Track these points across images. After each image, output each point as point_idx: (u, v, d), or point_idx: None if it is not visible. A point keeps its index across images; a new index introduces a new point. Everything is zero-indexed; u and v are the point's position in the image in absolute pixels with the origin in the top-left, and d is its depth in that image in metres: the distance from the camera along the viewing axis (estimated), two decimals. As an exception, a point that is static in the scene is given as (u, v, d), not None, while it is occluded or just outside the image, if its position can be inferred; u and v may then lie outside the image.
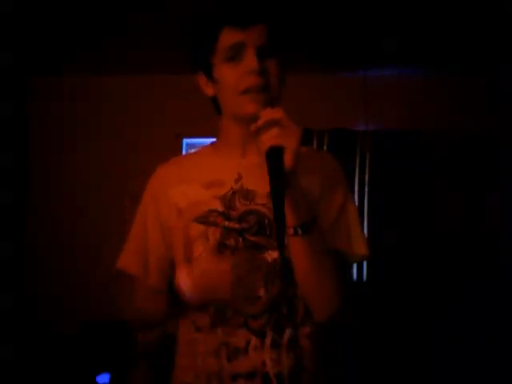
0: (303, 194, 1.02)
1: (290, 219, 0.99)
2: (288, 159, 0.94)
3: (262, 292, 1.07)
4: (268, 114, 0.97)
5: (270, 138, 0.95)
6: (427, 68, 3.37)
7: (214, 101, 1.18)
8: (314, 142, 3.38)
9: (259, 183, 1.07)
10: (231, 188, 1.11)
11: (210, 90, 1.16)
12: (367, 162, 3.35)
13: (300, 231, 1.00)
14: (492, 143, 3.34)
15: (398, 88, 3.35)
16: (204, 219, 1.10)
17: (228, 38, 1.07)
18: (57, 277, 3.39)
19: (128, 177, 3.52)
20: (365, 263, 3.22)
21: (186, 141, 3.64)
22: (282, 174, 0.95)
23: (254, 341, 1.06)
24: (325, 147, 3.36)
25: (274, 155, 0.95)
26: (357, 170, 3.35)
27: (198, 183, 1.14)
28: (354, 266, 3.09)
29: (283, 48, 1.11)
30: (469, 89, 3.36)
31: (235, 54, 1.06)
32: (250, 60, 1.05)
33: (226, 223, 1.09)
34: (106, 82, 3.45)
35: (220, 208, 1.10)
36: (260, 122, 0.97)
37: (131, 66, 3.32)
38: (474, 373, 2.84)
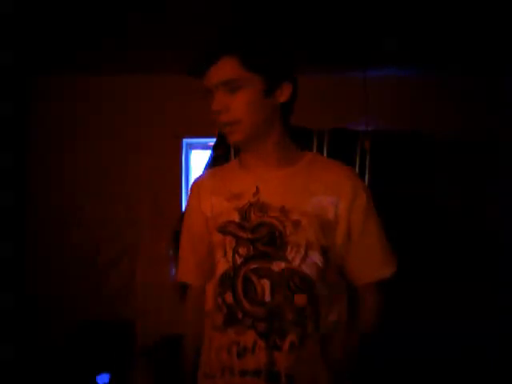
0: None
1: None
2: None
3: (267, 298, 1.16)
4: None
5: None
6: (427, 68, 3.37)
7: None
8: (314, 141, 3.38)
9: (274, 197, 1.20)
10: (248, 201, 1.22)
11: None
12: (367, 162, 3.35)
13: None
14: (492, 143, 3.34)
15: (398, 88, 3.36)
16: (223, 229, 1.23)
17: (203, 81, 1.20)
18: (57, 277, 3.40)
19: (128, 177, 3.53)
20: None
21: (185, 141, 3.64)
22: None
23: (259, 342, 1.15)
24: (325, 147, 3.36)
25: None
26: (357, 170, 3.35)
27: (223, 195, 1.26)
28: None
29: (252, 68, 1.15)
30: (469, 89, 3.36)
31: (209, 96, 1.20)
32: (212, 102, 1.18)
33: (241, 233, 1.20)
34: (105, 81, 3.45)
35: (237, 219, 1.21)
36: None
37: (131, 66, 3.32)
38: (474, 373, 2.84)
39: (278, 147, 1.24)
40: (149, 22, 2.60)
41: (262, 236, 1.18)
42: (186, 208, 1.39)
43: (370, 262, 1.26)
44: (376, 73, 3.32)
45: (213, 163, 3.02)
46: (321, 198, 1.19)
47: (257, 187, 1.22)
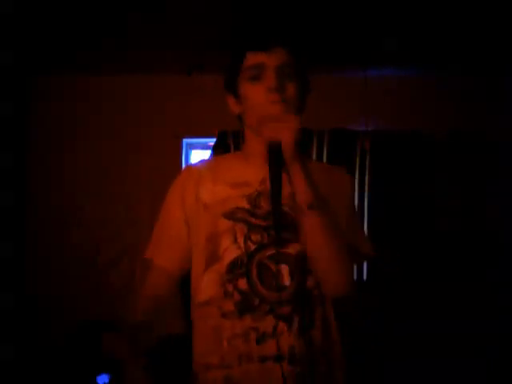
0: (309, 178, 1.11)
1: (299, 198, 1.10)
2: (285, 150, 1.06)
3: (287, 282, 1.16)
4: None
5: (267, 132, 1.08)
6: (427, 68, 3.37)
7: (240, 118, 1.29)
8: (314, 141, 3.38)
9: (282, 185, 1.14)
10: (256, 189, 1.22)
11: (236, 109, 1.27)
12: (367, 162, 3.35)
13: (309, 207, 1.10)
14: (492, 143, 3.34)
15: (398, 88, 3.35)
16: (232, 215, 1.20)
17: (250, 59, 1.20)
18: (57, 277, 3.39)
19: (128, 177, 3.53)
20: (365, 263, 3.22)
21: (185, 141, 3.64)
22: (279, 163, 1.08)
23: (281, 325, 1.14)
24: (325, 147, 3.36)
25: (272, 147, 1.07)
26: (357, 170, 3.35)
27: (226, 183, 1.25)
28: (354, 266, 3.09)
29: (304, 68, 1.24)
30: (469, 89, 3.36)
31: (257, 74, 1.19)
32: (270, 78, 1.17)
33: (253, 220, 1.19)
34: (105, 81, 3.45)
35: (246, 206, 1.20)
36: (260, 118, 1.10)
37: (131, 66, 3.32)
38: (474, 373, 2.84)
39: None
40: (149, 21, 2.60)
41: None
42: (174, 190, 1.33)
43: (359, 238, 1.28)
44: (376, 73, 3.32)
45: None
46: (320, 189, 1.18)
47: (263, 177, 1.19)
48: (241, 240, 1.19)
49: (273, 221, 1.15)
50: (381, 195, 3.32)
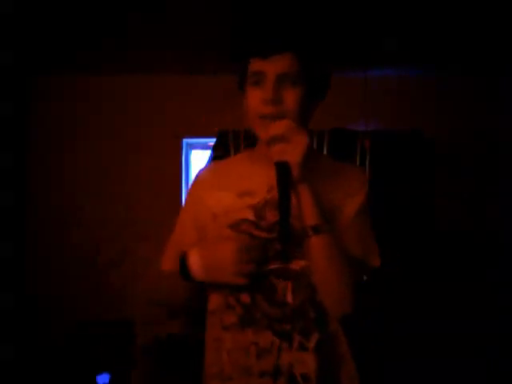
0: (316, 199, 1.09)
1: (305, 220, 1.08)
2: (294, 171, 1.05)
3: (289, 298, 1.14)
4: (273, 129, 1.07)
5: (275, 154, 1.06)
6: (427, 68, 3.37)
7: None
8: (314, 141, 3.38)
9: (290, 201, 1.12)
10: (263, 198, 1.19)
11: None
12: (367, 162, 3.35)
13: (314, 232, 1.08)
14: (492, 143, 3.35)
15: (398, 88, 3.36)
16: (236, 227, 1.19)
17: (253, 65, 1.16)
18: (57, 277, 3.40)
19: (128, 177, 3.53)
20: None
21: (185, 141, 3.64)
22: (288, 184, 1.06)
23: (278, 342, 1.13)
24: (325, 147, 3.36)
25: (280, 168, 1.06)
26: (357, 170, 3.35)
27: (232, 191, 1.22)
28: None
29: (309, 74, 1.17)
30: (469, 89, 3.36)
31: (258, 80, 1.15)
32: (267, 89, 1.13)
33: (256, 232, 1.17)
34: (105, 81, 3.45)
35: (251, 217, 1.18)
36: (267, 138, 1.07)
37: (131, 66, 3.32)
38: (474, 373, 2.84)
39: None
40: (149, 21, 2.60)
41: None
42: (188, 198, 1.33)
43: (365, 249, 1.23)
44: (376, 73, 3.32)
45: (213, 163, 3.02)
46: (333, 196, 1.18)
47: (271, 185, 1.16)
48: None
49: (281, 246, 1.13)
50: (381, 195, 3.31)
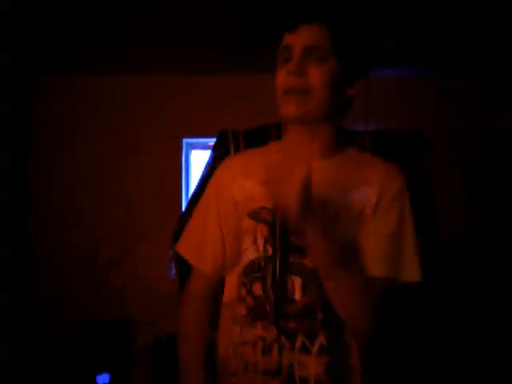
0: (323, 240, 1.01)
1: (315, 261, 1.04)
2: (289, 214, 0.98)
3: (298, 296, 1.08)
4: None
5: (271, 189, 1.00)
6: (427, 68, 3.37)
7: None
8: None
9: (313, 187, 1.03)
10: None
11: None
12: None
13: (327, 272, 1.03)
14: (492, 143, 3.34)
15: (398, 88, 3.36)
16: (255, 215, 1.13)
17: (283, 40, 1.11)
18: (57, 277, 3.39)
19: (128, 177, 3.53)
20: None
21: (185, 141, 3.64)
22: (282, 243, 1.07)
23: (282, 341, 1.08)
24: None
25: (272, 228, 1.09)
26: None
27: (256, 179, 1.15)
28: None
29: (339, 48, 1.09)
30: (469, 89, 3.36)
31: (287, 56, 1.09)
32: (292, 62, 1.07)
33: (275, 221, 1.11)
34: (105, 81, 3.45)
35: (270, 206, 1.10)
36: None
37: (131, 66, 3.32)
38: (474, 373, 2.84)
39: (328, 139, 1.16)
40: (149, 21, 2.60)
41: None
42: (213, 183, 1.26)
43: (400, 265, 1.13)
44: (376, 73, 3.32)
45: (213, 163, 3.01)
46: (361, 192, 1.11)
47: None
48: (260, 242, 1.12)
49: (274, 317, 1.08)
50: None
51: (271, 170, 1.02)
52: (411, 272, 1.15)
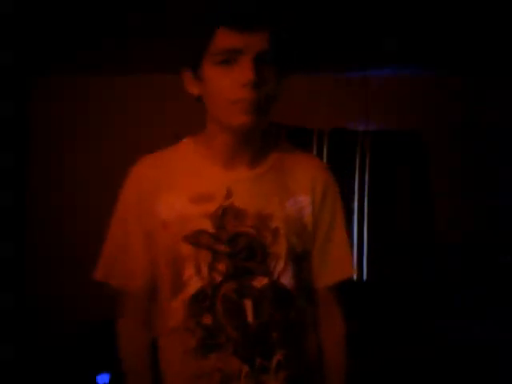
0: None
1: None
2: None
3: (250, 318, 1.04)
4: None
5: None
6: (427, 68, 3.37)
7: (199, 100, 1.11)
8: (314, 141, 3.38)
9: (249, 202, 1.04)
10: (221, 205, 1.04)
11: (195, 89, 1.09)
12: (367, 162, 3.35)
13: None
14: (492, 143, 3.34)
15: (398, 88, 3.36)
16: (194, 240, 1.04)
17: (225, 39, 0.95)
18: (57, 277, 3.39)
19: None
20: (365, 263, 3.22)
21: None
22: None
23: (244, 368, 1.04)
24: (325, 147, 3.36)
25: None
26: (357, 170, 3.36)
27: (184, 195, 1.06)
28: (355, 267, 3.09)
29: (287, 55, 1.02)
30: (469, 89, 3.36)
31: (230, 58, 0.96)
32: (247, 70, 0.94)
33: (217, 246, 1.04)
34: (105, 81, 3.45)
35: (210, 229, 1.04)
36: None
37: (131, 66, 3.32)
38: (474, 374, 2.84)
39: (258, 142, 1.09)
40: (149, 22, 2.60)
41: (240, 249, 1.03)
42: (127, 198, 1.16)
43: (335, 261, 1.13)
44: (376, 73, 3.32)
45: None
46: (297, 198, 1.08)
47: (228, 188, 1.05)
48: (205, 270, 1.03)
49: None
50: (381, 195, 3.32)
51: (203, 185, 1.03)
52: (351, 263, 1.18)
